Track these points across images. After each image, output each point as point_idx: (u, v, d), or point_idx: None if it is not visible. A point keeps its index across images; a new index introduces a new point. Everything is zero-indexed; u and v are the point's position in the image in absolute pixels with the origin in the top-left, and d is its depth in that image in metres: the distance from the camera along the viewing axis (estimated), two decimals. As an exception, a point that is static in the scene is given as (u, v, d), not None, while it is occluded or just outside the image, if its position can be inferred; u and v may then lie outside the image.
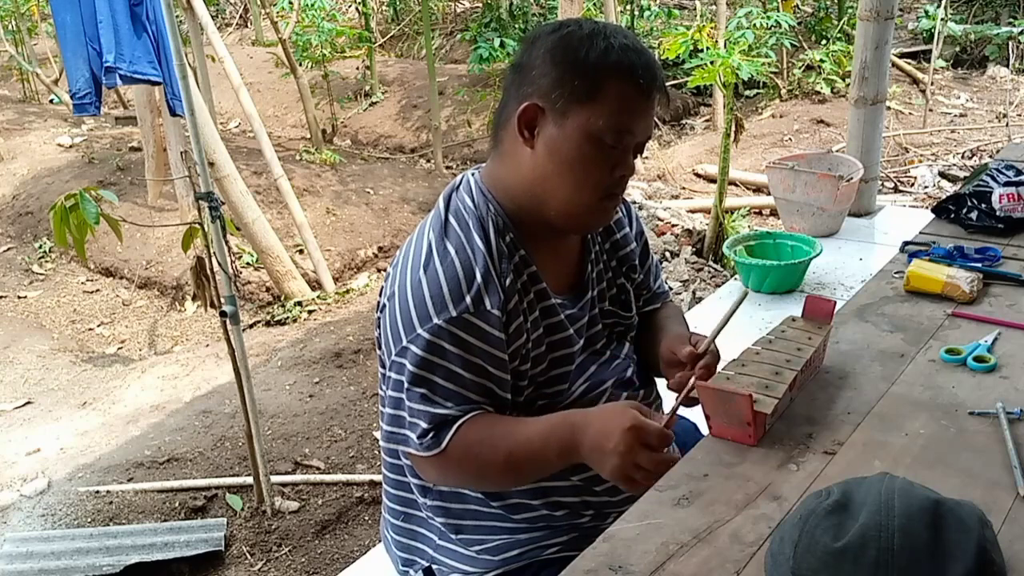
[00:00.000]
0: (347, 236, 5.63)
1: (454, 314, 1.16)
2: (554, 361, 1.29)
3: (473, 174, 1.30)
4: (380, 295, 1.30)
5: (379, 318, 1.29)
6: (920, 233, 2.02)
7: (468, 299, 1.16)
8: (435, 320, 1.16)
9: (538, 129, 1.20)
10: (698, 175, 6.23)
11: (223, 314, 2.57)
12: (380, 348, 1.30)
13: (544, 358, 1.27)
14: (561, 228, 1.27)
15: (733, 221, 4.54)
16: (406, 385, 1.19)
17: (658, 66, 1.22)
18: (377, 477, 2.95)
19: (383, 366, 1.31)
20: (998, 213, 1.97)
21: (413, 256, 1.23)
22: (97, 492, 2.94)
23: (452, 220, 1.24)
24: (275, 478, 2.92)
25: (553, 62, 1.18)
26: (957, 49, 8.01)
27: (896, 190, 5.49)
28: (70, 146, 7.20)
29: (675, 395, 1.27)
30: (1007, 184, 2.00)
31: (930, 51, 7.27)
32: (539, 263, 1.27)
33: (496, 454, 1.18)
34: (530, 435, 1.19)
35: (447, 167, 7.27)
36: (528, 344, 1.24)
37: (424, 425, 1.18)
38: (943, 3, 7.17)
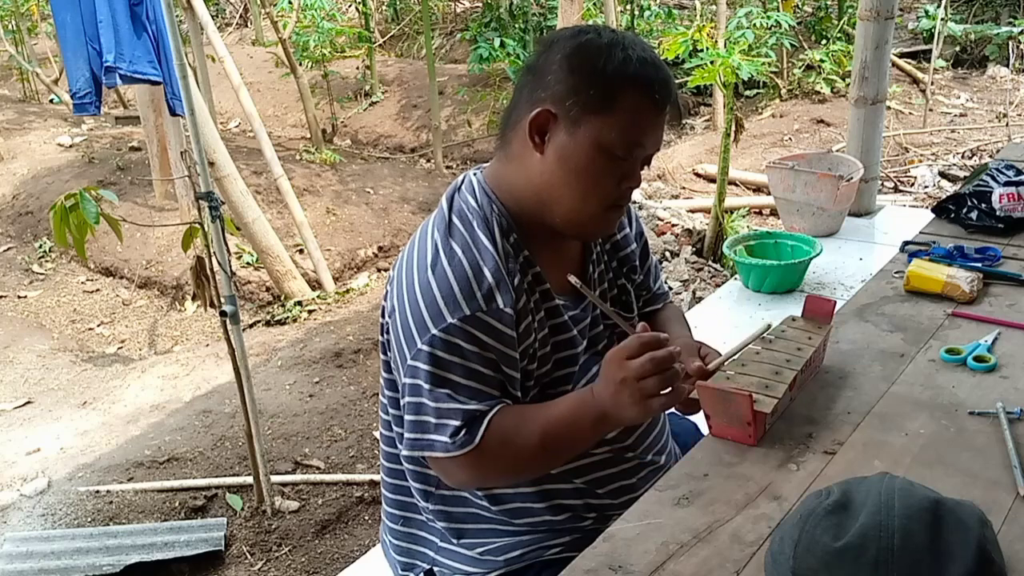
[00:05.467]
0: (347, 236, 5.63)
1: (467, 312, 1.15)
2: (558, 362, 1.29)
3: (475, 174, 1.29)
4: (385, 299, 1.28)
5: (384, 324, 1.28)
6: (920, 233, 2.03)
7: (480, 297, 1.16)
8: (449, 320, 1.15)
9: (549, 135, 1.19)
10: (698, 175, 6.23)
11: (223, 314, 2.57)
12: (387, 353, 1.28)
13: (549, 358, 1.27)
14: (564, 234, 1.27)
15: (733, 221, 4.54)
16: (427, 387, 1.17)
17: (673, 81, 1.22)
18: (378, 477, 2.95)
19: (388, 371, 1.30)
20: (998, 213, 1.97)
21: (419, 257, 1.22)
22: (97, 492, 2.94)
23: (456, 220, 1.23)
24: (275, 478, 2.92)
25: (570, 69, 1.17)
26: (957, 49, 8.00)
27: (896, 190, 5.49)
28: (70, 146, 7.20)
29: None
30: (1007, 184, 2.00)
31: (930, 51, 7.26)
32: (541, 264, 1.26)
33: (531, 438, 1.18)
34: (560, 412, 1.20)
35: (447, 167, 7.27)
36: (535, 343, 1.24)
37: (456, 423, 1.17)
38: (943, 3, 7.16)
